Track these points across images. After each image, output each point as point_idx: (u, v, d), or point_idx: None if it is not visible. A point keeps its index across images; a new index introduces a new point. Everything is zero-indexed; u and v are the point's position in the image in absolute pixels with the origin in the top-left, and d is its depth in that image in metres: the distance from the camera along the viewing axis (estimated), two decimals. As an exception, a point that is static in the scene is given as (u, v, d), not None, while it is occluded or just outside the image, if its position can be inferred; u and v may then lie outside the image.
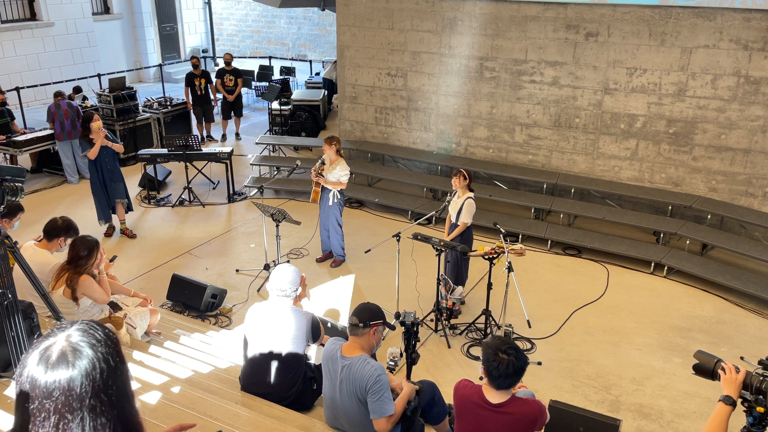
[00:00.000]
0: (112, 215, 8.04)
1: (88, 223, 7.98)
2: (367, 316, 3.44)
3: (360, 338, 3.45)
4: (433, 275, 6.15)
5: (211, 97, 11.74)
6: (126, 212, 8.10)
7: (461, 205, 6.17)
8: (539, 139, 8.98)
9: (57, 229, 4.78)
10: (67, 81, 12.76)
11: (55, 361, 1.29)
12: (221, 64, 14.16)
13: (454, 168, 6.45)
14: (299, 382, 3.95)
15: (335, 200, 7.12)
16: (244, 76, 14.87)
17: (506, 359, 2.98)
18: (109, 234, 8.08)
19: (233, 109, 12.05)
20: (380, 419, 3.34)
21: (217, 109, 12.36)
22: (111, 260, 5.01)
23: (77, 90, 11.19)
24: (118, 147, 7.72)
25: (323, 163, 7.08)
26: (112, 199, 7.81)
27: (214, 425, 3.42)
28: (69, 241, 4.80)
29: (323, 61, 17.08)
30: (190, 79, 11.39)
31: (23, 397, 1.29)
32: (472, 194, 6.25)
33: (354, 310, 3.51)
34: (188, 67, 17.87)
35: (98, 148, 7.49)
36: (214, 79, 11.96)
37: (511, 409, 3.06)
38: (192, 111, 11.76)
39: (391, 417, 3.37)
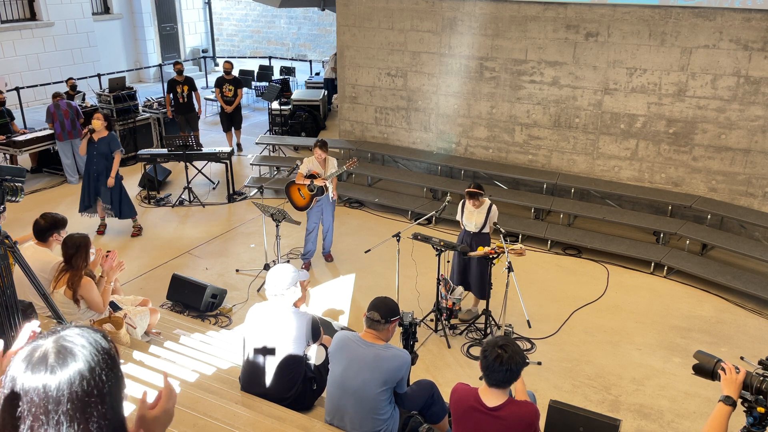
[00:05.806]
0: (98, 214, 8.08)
1: (86, 221, 8.01)
2: (388, 312, 3.57)
3: (379, 332, 3.58)
4: (433, 275, 6.15)
5: (195, 105, 10.80)
6: (120, 218, 7.94)
7: (487, 213, 6.03)
8: (539, 139, 8.98)
9: (43, 229, 4.77)
10: (66, 81, 12.74)
11: (36, 363, 1.27)
12: (221, 64, 13.97)
13: (472, 187, 5.94)
14: (299, 383, 3.94)
15: (332, 196, 7.14)
16: (244, 77, 14.86)
17: (502, 355, 2.98)
18: (101, 232, 8.11)
19: (232, 121, 11.15)
20: None
21: (205, 116, 11.89)
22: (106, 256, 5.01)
23: (72, 85, 11.10)
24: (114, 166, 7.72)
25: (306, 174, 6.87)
26: (94, 196, 7.84)
27: (214, 425, 3.42)
28: (63, 233, 4.80)
29: (323, 61, 17.05)
30: (172, 86, 10.58)
31: (7, 399, 1.28)
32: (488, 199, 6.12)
33: (373, 304, 3.61)
34: (189, 67, 17.86)
35: (85, 144, 7.62)
36: (213, 89, 11.46)
37: (506, 413, 3.06)
38: (174, 119, 10.90)
39: None
